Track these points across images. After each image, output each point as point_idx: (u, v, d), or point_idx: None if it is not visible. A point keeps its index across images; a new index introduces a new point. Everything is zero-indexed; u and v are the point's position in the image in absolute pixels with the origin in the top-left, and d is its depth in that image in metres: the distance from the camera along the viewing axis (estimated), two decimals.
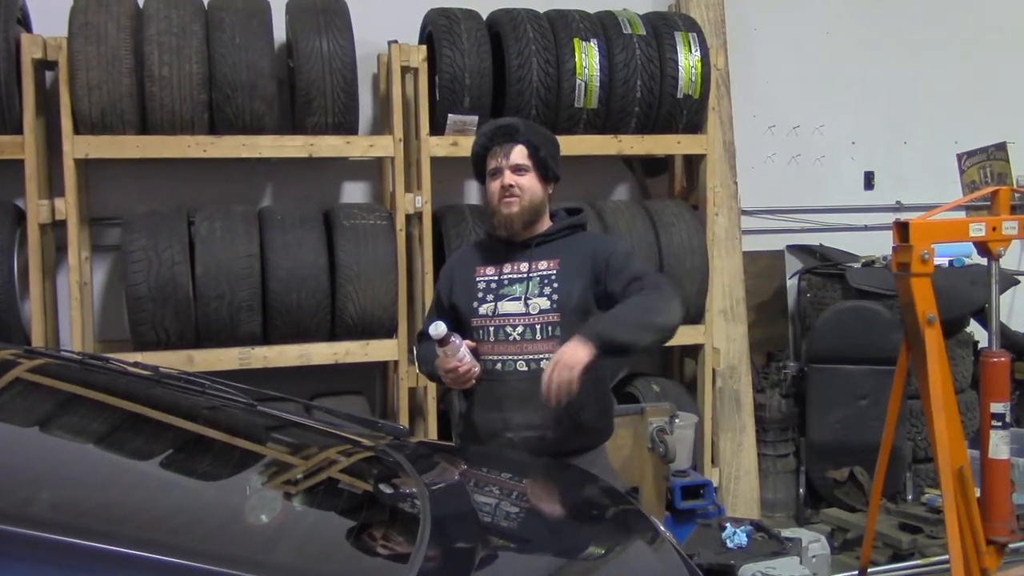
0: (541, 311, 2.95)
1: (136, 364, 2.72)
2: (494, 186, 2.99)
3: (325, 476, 2.34)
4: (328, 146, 4.36)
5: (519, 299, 2.97)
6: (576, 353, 2.69)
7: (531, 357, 2.93)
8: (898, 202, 5.92)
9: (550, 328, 2.95)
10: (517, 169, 2.98)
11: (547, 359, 2.85)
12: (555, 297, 2.96)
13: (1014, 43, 6.15)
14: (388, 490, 2.33)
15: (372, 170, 4.91)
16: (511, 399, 2.93)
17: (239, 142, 4.24)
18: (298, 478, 2.29)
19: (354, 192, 4.95)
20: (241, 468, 2.35)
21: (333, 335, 4.32)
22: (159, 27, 4.11)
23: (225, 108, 4.18)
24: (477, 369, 2.92)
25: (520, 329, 2.95)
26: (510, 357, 2.94)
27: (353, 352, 4.34)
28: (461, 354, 2.88)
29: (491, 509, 2.38)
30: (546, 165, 3.02)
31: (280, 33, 4.51)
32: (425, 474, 2.36)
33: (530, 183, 2.99)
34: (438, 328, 2.82)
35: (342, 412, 2.82)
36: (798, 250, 5.76)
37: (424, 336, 3.13)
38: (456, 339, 2.88)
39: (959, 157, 6.13)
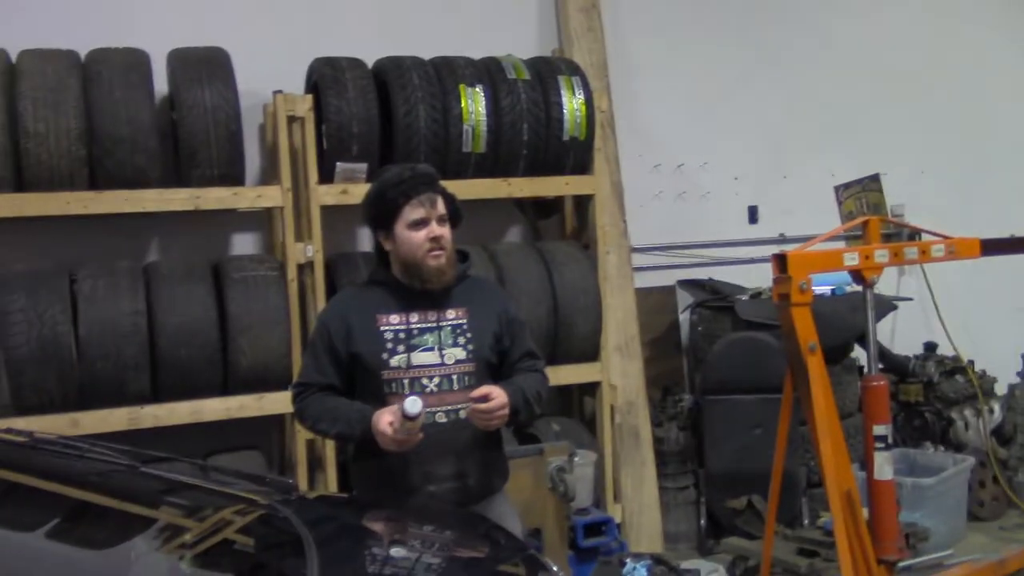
0: (457, 361, 2.96)
1: (8, 430, 2.62)
2: (419, 237, 2.93)
3: (211, 537, 2.29)
4: (214, 198, 4.30)
5: (433, 349, 2.95)
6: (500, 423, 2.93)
7: (450, 408, 2.92)
8: (781, 234, 6.11)
9: (466, 378, 2.96)
10: (441, 219, 2.97)
11: (464, 408, 2.91)
12: (470, 347, 2.97)
13: (881, 79, 6.42)
14: (276, 549, 2.28)
15: (261, 221, 4.86)
16: (433, 452, 2.89)
17: (121, 197, 4.15)
18: (182, 541, 2.23)
19: (244, 243, 4.89)
20: (123, 534, 2.28)
21: (226, 389, 4.24)
22: (33, 82, 4.02)
23: (106, 162, 4.10)
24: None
25: (437, 380, 2.93)
26: (428, 409, 2.87)
27: (247, 406, 4.26)
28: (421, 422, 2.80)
29: (381, 562, 2.35)
30: (458, 214, 3.05)
31: (162, 85, 4.45)
32: (315, 530, 2.33)
33: (450, 233, 2.99)
34: (416, 405, 2.71)
35: (229, 469, 2.77)
36: (688, 285, 5.89)
37: (310, 388, 3.05)
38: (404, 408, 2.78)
39: (836, 189, 6.37)
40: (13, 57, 4.15)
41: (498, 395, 2.88)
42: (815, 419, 3.63)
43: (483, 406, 2.85)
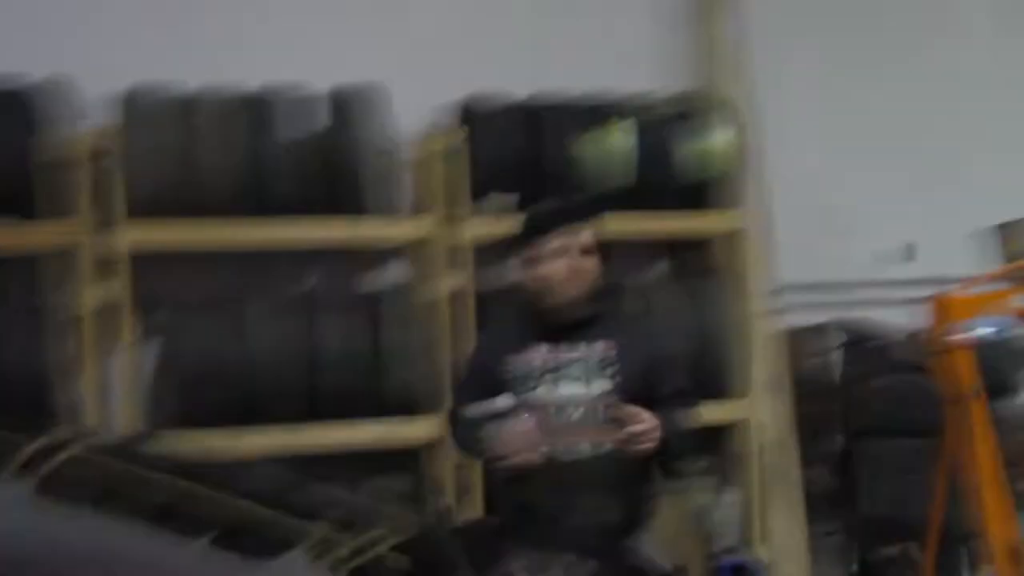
0: (603, 393, 2.96)
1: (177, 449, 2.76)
2: (557, 266, 2.97)
3: (371, 555, 2.36)
4: (369, 229, 4.46)
5: (579, 380, 2.96)
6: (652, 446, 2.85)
7: (593, 440, 2.92)
8: (939, 275, 5.85)
9: (611, 411, 2.94)
10: (584, 251, 2.99)
11: (609, 441, 2.90)
12: (617, 380, 2.96)
13: None
14: (432, 570, 2.33)
15: (414, 252, 4.99)
16: (575, 483, 2.91)
17: (283, 226, 4.34)
18: (344, 556, 2.30)
19: (397, 274, 5.03)
20: (288, 546, 2.37)
21: (378, 415, 4.35)
22: (208, 119, 4.26)
23: (264, 193, 4.28)
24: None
25: (581, 411, 2.94)
26: (572, 439, 2.90)
27: (398, 432, 4.37)
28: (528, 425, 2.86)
29: None
30: (606, 248, 3.05)
31: (322, 120, 4.64)
32: (470, 554, 2.37)
33: (594, 266, 3.00)
34: (505, 400, 2.81)
35: (387, 490, 2.84)
36: (840, 324, 5.72)
37: (460, 415, 3.11)
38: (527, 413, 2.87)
39: (999, 228, 6.09)
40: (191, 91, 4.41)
41: (647, 417, 2.85)
42: (975, 467, 3.48)
43: (635, 427, 2.83)
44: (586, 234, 3.00)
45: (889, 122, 5.89)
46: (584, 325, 3.03)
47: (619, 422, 2.86)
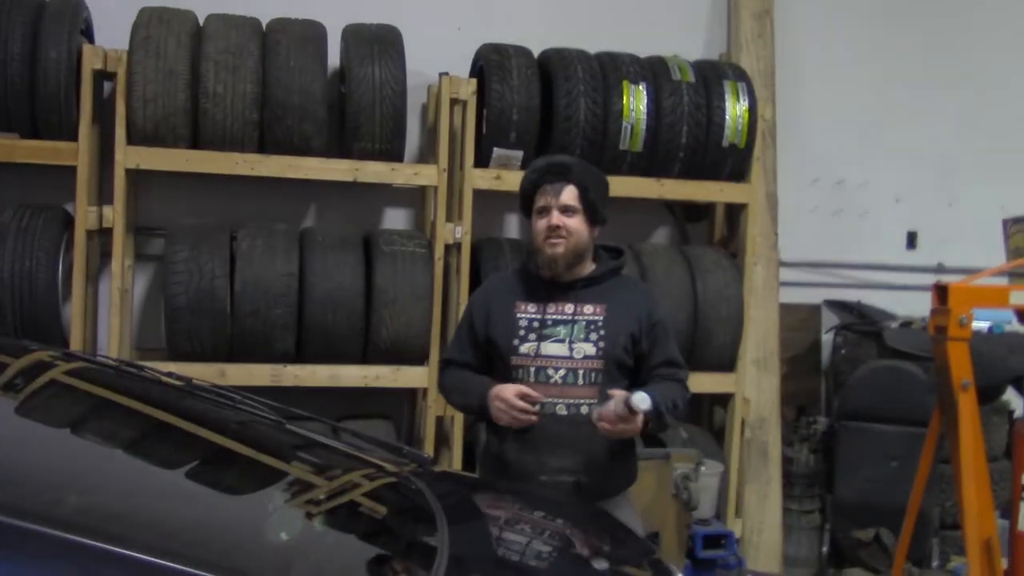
0: (585, 356, 2.95)
1: (170, 374, 2.75)
2: (540, 224, 2.98)
3: (346, 499, 2.35)
4: (373, 172, 4.41)
5: (563, 342, 2.96)
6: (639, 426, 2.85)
7: (571, 401, 2.93)
8: (940, 264, 5.87)
9: (592, 375, 2.95)
10: (566, 210, 2.96)
11: (586, 404, 2.93)
12: (601, 345, 2.96)
13: None
14: (407, 518, 2.33)
15: (415, 198, 4.96)
16: (548, 442, 2.93)
17: (286, 162, 4.30)
18: (319, 499, 2.30)
19: (395, 218, 5.00)
20: (264, 484, 2.37)
21: (365, 358, 4.34)
22: (217, 46, 4.19)
23: (275, 128, 4.25)
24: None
25: (562, 372, 2.94)
26: (549, 399, 2.93)
27: (383, 376, 4.37)
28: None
29: (509, 545, 2.38)
30: (595, 208, 3.00)
31: (335, 59, 4.58)
32: (446, 505, 2.37)
33: (577, 225, 2.97)
34: (645, 402, 2.76)
35: (368, 436, 2.84)
36: (835, 305, 5.72)
37: (452, 364, 3.14)
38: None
39: (1004, 222, 6.06)
40: (201, 20, 4.34)
41: (629, 423, 2.83)
42: (961, 459, 3.48)
43: (609, 426, 2.83)
44: (568, 193, 2.97)
45: (904, 109, 5.84)
46: (575, 287, 3.02)
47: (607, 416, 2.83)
